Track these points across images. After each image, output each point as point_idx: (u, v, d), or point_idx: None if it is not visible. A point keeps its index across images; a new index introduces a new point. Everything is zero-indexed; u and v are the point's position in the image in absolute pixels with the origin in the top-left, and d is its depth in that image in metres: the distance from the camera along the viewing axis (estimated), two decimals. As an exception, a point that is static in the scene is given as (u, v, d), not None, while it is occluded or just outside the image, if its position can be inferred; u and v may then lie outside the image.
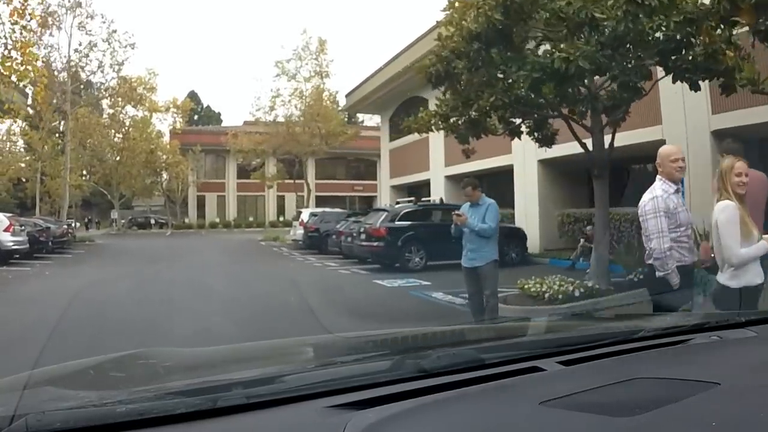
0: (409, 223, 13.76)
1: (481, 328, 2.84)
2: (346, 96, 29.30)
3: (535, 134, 9.58)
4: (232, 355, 1.69)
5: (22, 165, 39.38)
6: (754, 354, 1.40)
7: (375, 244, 13.53)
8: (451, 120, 9.28)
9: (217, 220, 44.46)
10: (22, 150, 40.20)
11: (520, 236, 14.51)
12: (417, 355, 1.39)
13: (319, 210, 22.73)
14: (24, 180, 39.99)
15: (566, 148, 10.22)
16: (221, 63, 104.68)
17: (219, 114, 62.53)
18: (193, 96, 52.91)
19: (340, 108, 31.68)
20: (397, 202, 15.48)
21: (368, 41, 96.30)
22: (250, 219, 44.93)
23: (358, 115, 39.31)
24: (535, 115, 9.21)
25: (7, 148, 38.74)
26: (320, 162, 38.50)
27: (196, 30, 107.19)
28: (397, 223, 13.71)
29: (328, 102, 30.54)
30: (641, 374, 1.16)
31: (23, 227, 16.66)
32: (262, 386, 1.07)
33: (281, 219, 43.34)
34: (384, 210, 15.15)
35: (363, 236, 13.97)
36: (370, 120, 43.51)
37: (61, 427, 0.86)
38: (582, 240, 12.65)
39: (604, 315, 5.34)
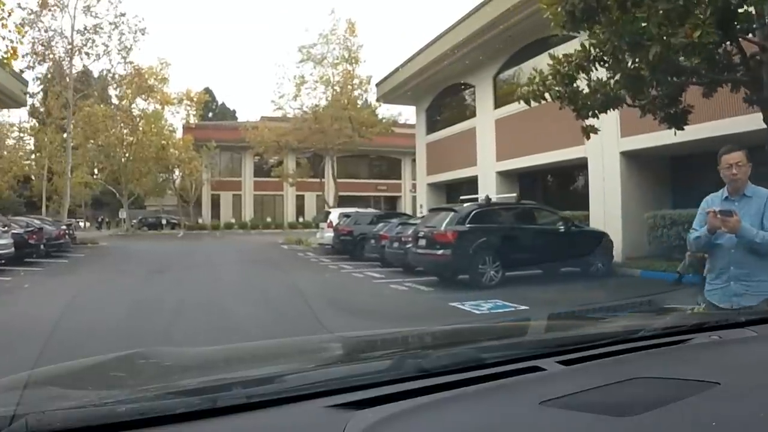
0: (482, 226, 11.11)
1: (481, 328, 2.84)
2: (377, 85, 27.03)
3: (666, 111, 7.69)
4: (233, 355, 1.69)
5: (27, 162, 38.93)
6: (754, 354, 1.41)
7: (440, 252, 10.86)
8: (576, 84, 7.30)
9: (233, 220, 42.61)
10: (31, 147, 39.77)
11: (606, 243, 12.17)
12: (417, 354, 1.40)
13: (352, 210, 20.33)
14: (32, 178, 39.69)
15: (655, 138, 8.64)
16: (236, 58, 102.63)
17: (234, 111, 60.36)
18: (207, 92, 50.16)
19: (368, 98, 29.48)
20: (462, 200, 13.17)
21: (396, 30, 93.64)
22: (268, 220, 43.06)
23: (377, 112, 37.81)
24: (681, 79, 7.05)
25: (12, 144, 38.33)
26: (341, 160, 35.43)
27: (209, 24, 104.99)
28: (468, 225, 11.01)
29: (359, 89, 28.36)
30: (641, 374, 1.16)
31: (7, 228, 14.77)
32: (262, 386, 1.08)
33: (300, 220, 42.08)
34: (449, 209, 12.24)
35: (423, 242, 11.38)
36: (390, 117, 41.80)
37: (61, 426, 0.86)
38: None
39: (603, 315, 5.34)
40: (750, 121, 8.29)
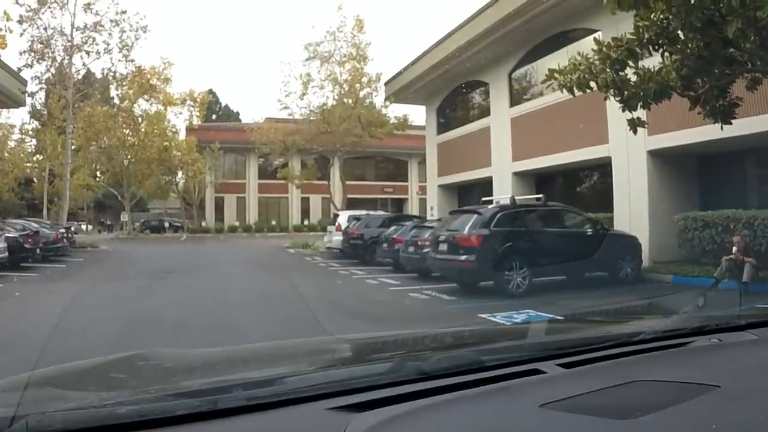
0: (509, 229, 10.37)
1: (481, 331, 2.84)
2: (386, 84, 25.93)
3: (712, 104, 7.17)
4: (233, 357, 1.69)
5: (29, 164, 38.75)
6: (754, 357, 1.40)
7: (463, 258, 10.09)
8: (627, 69, 6.73)
9: (237, 223, 41.42)
10: (32, 149, 39.63)
11: (635, 247, 11.54)
12: (417, 357, 1.39)
13: (362, 212, 19.65)
14: (34, 180, 39.56)
15: (684, 136, 8.32)
16: (240, 59, 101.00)
17: (238, 113, 58.78)
18: (211, 93, 47.64)
19: (378, 96, 28.08)
20: (483, 201, 12.75)
21: (405, 28, 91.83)
22: (272, 222, 41.98)
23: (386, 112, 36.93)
24: (733, 68, 6.63)
25: (12, 146, 38.19)
26: (347, 162, 33.93)
27: (212, 25, 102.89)
28: (493, 229, 10.20)
29: (368, 88, 27.29)
30: (641, 377, 1.16)
31: (1, 232, 14.41)
32: (263, 388, 1.08)
33: (306, 223, 41.53)
34: (472, 212, 11.38)
35: (444, 247, 10.58)
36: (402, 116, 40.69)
37: (61, 428, 0.86)
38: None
39: (604, 318, 5.32)
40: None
